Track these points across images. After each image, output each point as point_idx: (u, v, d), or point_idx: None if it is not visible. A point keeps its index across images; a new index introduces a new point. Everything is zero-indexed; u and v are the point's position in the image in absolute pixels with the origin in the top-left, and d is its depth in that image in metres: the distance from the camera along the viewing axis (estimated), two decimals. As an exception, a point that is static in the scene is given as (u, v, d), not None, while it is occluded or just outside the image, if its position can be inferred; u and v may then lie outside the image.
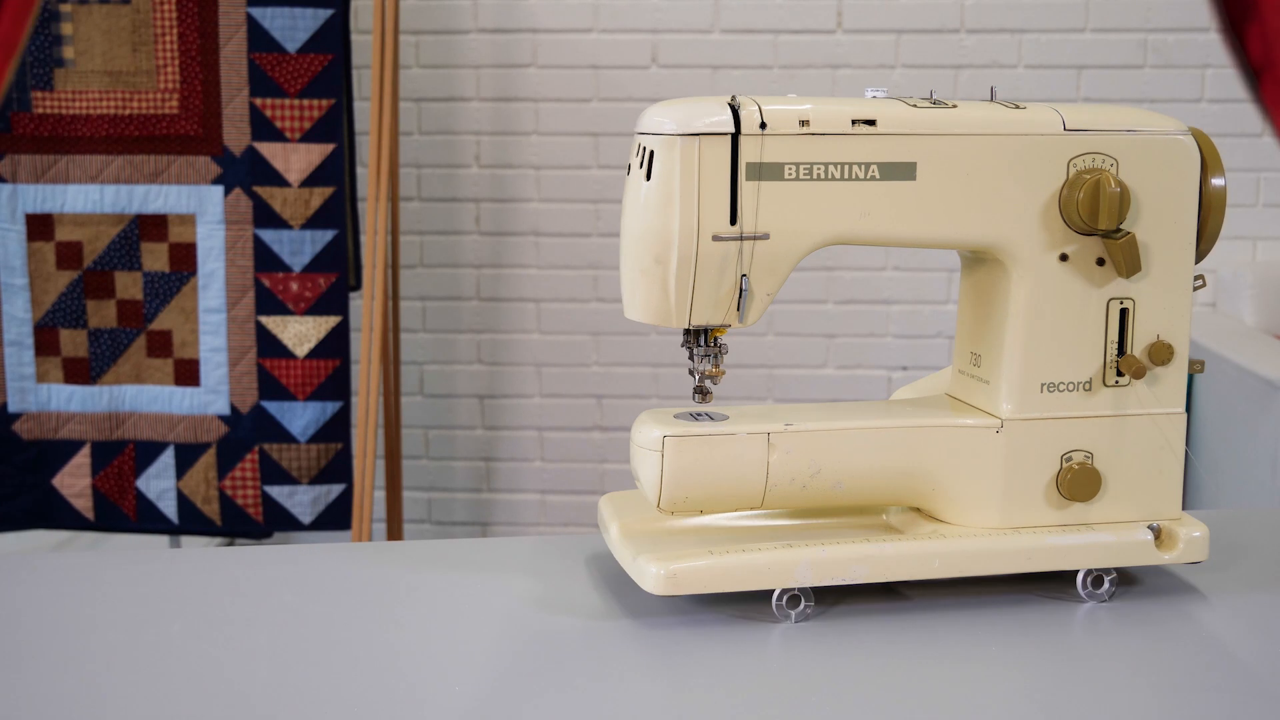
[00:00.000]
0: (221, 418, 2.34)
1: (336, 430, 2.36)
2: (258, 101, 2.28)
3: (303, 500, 2.36)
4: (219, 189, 2.29)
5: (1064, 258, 0.95)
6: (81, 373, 2.34)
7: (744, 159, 0.91)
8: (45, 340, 2.34)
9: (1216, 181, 0.97)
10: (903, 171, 0.93)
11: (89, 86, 2.28)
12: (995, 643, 0.91)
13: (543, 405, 3.03)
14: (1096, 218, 0.92)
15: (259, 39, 2.27)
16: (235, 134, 2.29)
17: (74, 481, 2.37)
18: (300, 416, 2.34)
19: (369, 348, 2.36)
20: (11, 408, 2.35)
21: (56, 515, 2.38)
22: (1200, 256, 0.99)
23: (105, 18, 2.26)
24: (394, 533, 2.73)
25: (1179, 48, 2.86)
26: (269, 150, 2.29)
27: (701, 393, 0.98)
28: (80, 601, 0.98)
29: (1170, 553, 0.98)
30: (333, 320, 2.33)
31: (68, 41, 2.27)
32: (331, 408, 2.35)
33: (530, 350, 3.01)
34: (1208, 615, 0.95)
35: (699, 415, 0.97)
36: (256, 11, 2.26)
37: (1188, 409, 2.70)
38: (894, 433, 0.97)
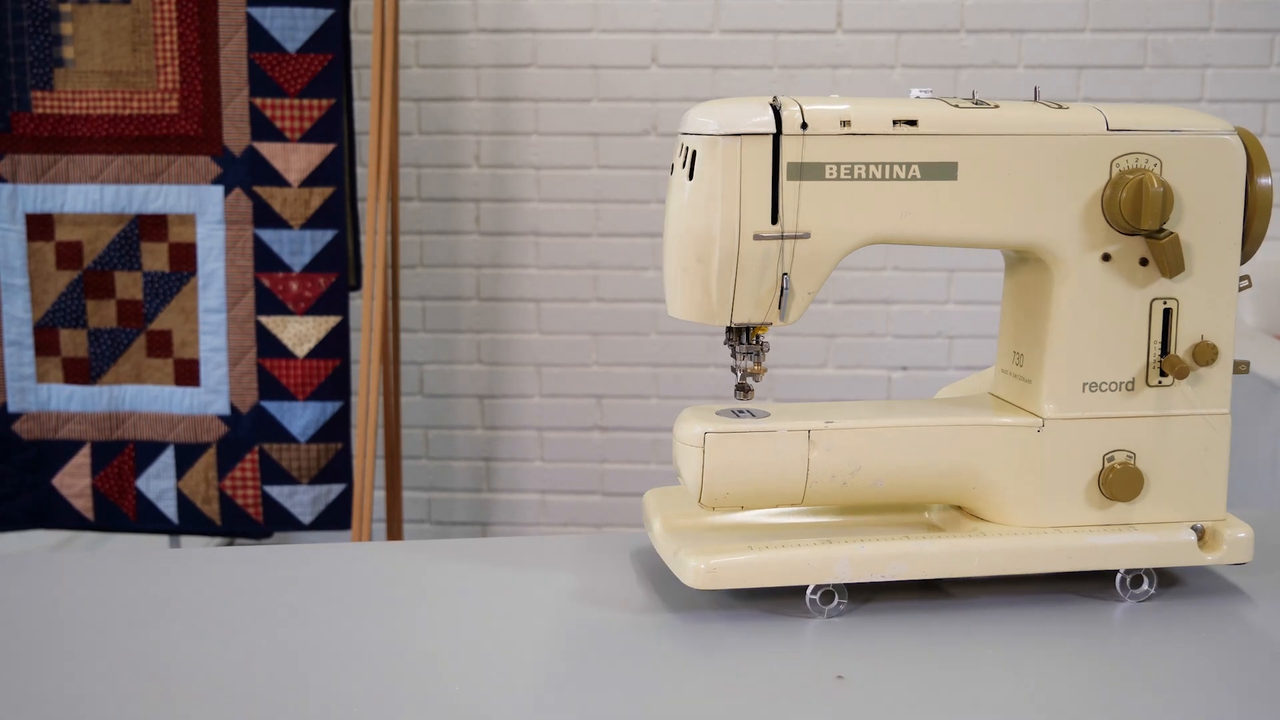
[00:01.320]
0: (221, 418, 2.34)
1: (336, 430, 2.36)
2: (258, 101, 2.28)
3: (303, 500, 2.36)
4: (219, 189, 2.29)
5: (1106, 258, 0.96)
6: (81, 373, 2.34)
7: (785, 159, 0.92)
8: (45, 340, 2.34)
9: (1263, 181, 0.97)
10: (944, 171, 0.94)
11: (89, 86, 2.28)
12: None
13: (543, 405, 3.03)
14: (1139, 218, 0.93)
15: (259, 39, 2.27)
16: (235, 134, 2.29)
17: (74, 481, 2.37)
18: (300, 416, 2.34)
19: (369, 348, 2.36)
20: (11, 408, 2.35)
21: (56, 515, 2.38)
22: (1246, 257, 0.99)
23: (105, 18, 2.26)
24: (394, 533, 2.73)
25: (1179, 48, 2.86)
26: (269, 150, 2.29)
27: (744, 390, 0.99)
28: (80, 601, 0.98)
29: (1214, 554, 0.98)
30: (333, 320, 2.33)
31: (68, 41, 2.27)
32: (331, 408, 2.35)
33: (530, 350, 3.01)
34: (1254, 615, 0.95)
35: (741, 412, 0.98)
36: (256, 11, 2.26)
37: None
38: (935, 431, 0.97)
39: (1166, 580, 1.01)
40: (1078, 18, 2.86)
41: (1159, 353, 0.97)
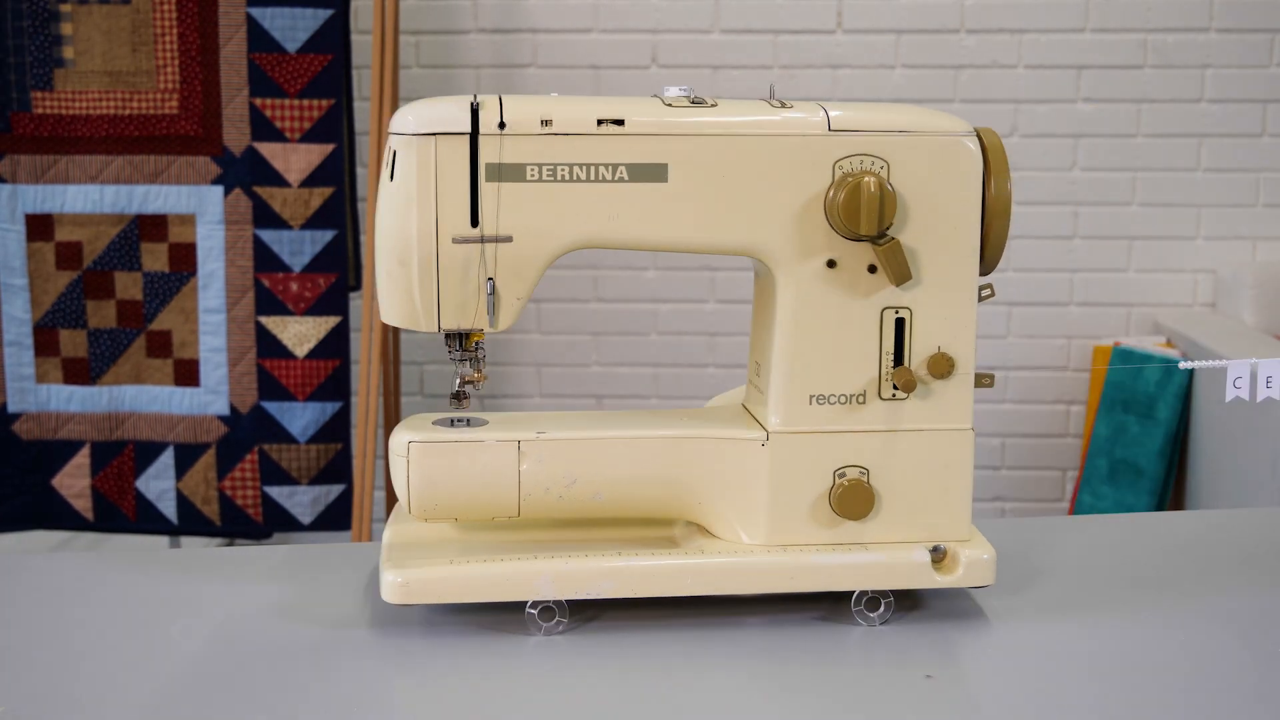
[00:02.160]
0: (221, 418, 2.34)
1: (336, 430, 2.36)
2: (258, 101, 2.28)
3: (302, 500, 2.36)
4: (219, 189, 2.29)
5: (831, 264, 0.91)
6: (81, 373, 2.34)
7: (483, 159, 0.88)
8: (45, 340, 2.34)
9: (1001, 186, 0.92)
10: (653, 173, 0.89)
11: (89, 86, 2.28)
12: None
13: (543, 405, 3.03)
14: (857, 222, 0.88)
15: (259, 39, 2.27)
16: (235, 134, 2.29)
17: (73, 482, 2.37)
18: (300, 417, 2.34)
19: (369, 348, 2.36)
20: (11, 408, 2.35)
21: (56, 515, 2.38)
22: (988, 266, 0.93)
23: (105, 18, 2.26)
24: (394, 533, 2.73)
25: (1179, 48, 2.86)
26: (269, 150, 2.29)
27: (459, 397, 0.95)
28: (80, 601, 0.98)
29: (950, 576, 0.92)
30: (332, 320, 2.33)
31: (68, 41, 2.27)
32: (331, 408, 2.35)
33: (530, 350, 3.01)
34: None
35: (458, 421, 0.94)
36: (256, 11, 2.26)
37: (1187, 409, 2.70)
38: (653, 443, 0.93)
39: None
40: (1078, 18, 2.86)
41: (892, 364, 0.92)
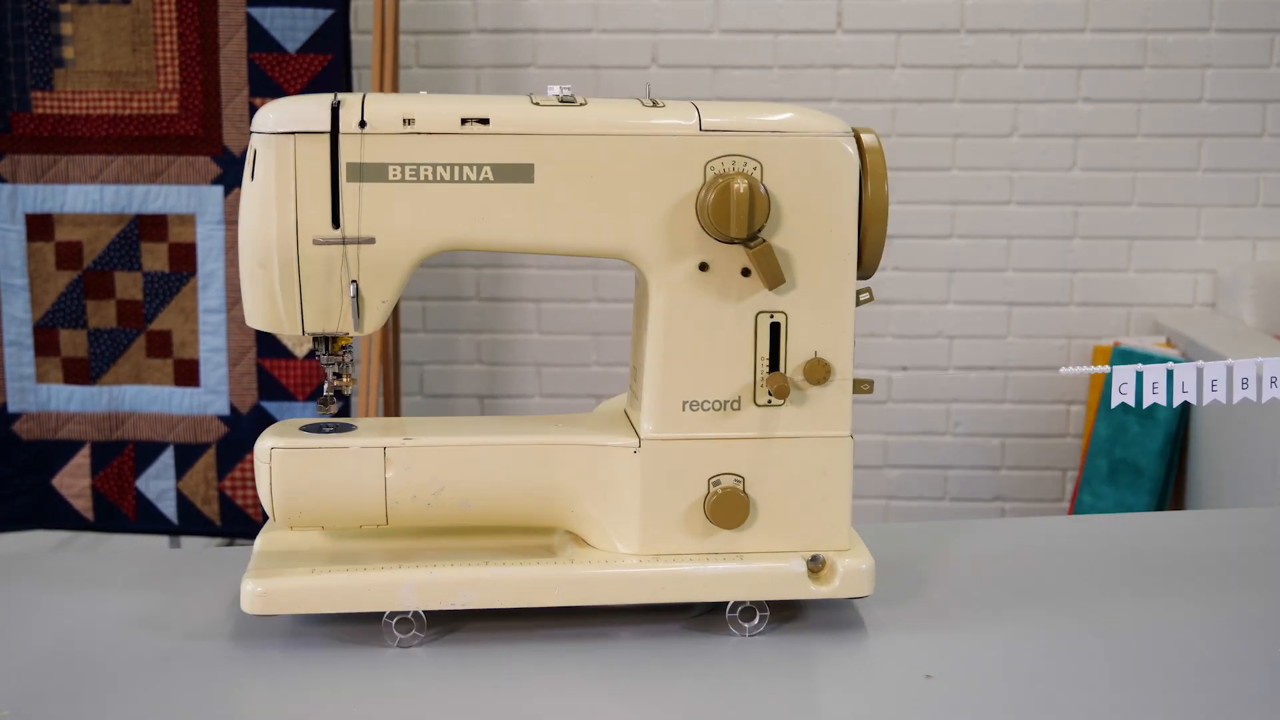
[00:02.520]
0: (221, 418, 2.34)
1: (336, 430, 2.36)
2: (258, 101, 2.28)
3: (302, 500, 2.36)
4: (219, 189, 2.29)
5: (704, 267, 0.88)
6: (81, 373, 2.34)
7: (344, 159, 0.87)
8: (45, 340, 2.34)
9: (878, 188, 0.89)
10: (519, 174, 0.87)
11: (89, 86, 2.28)
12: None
13: (543, 405, 3.03)
14: (727, 224, 0.85)
15: (259, 39, 2.27)
16: (235, 134, 2.29)
17: (73, 481, 2.37)
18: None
19: (369, 348, 2.36)
20: (11, 408, 2.35)
21: (56, 515, 2.38)
22: (867, 269, 0.91)
23: (105, 18, 2.26)
24: (394, 533, 2.73)
25: (1179, 48, 2.86)
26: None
27: (326, 402, 0.93)
28: (80, 601, 0.98)
29: (826, 586, 0.90)
30: (332, 320, 2.33)
31: (68, 41, 2.27)
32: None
33: (530, 350, 3.01)
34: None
35: (325, 427, 0.92)
36: (256, 11, 2.26)
37: (1187, 409, 2.70)
38: (521, 450, 0.90)
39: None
40: (1078, 18, 2.86)
41: (768, 370, 0.90)
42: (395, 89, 2.41)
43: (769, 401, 0.90)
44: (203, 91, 2.29)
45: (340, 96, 0.87)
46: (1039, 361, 2.96)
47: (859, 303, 0.91)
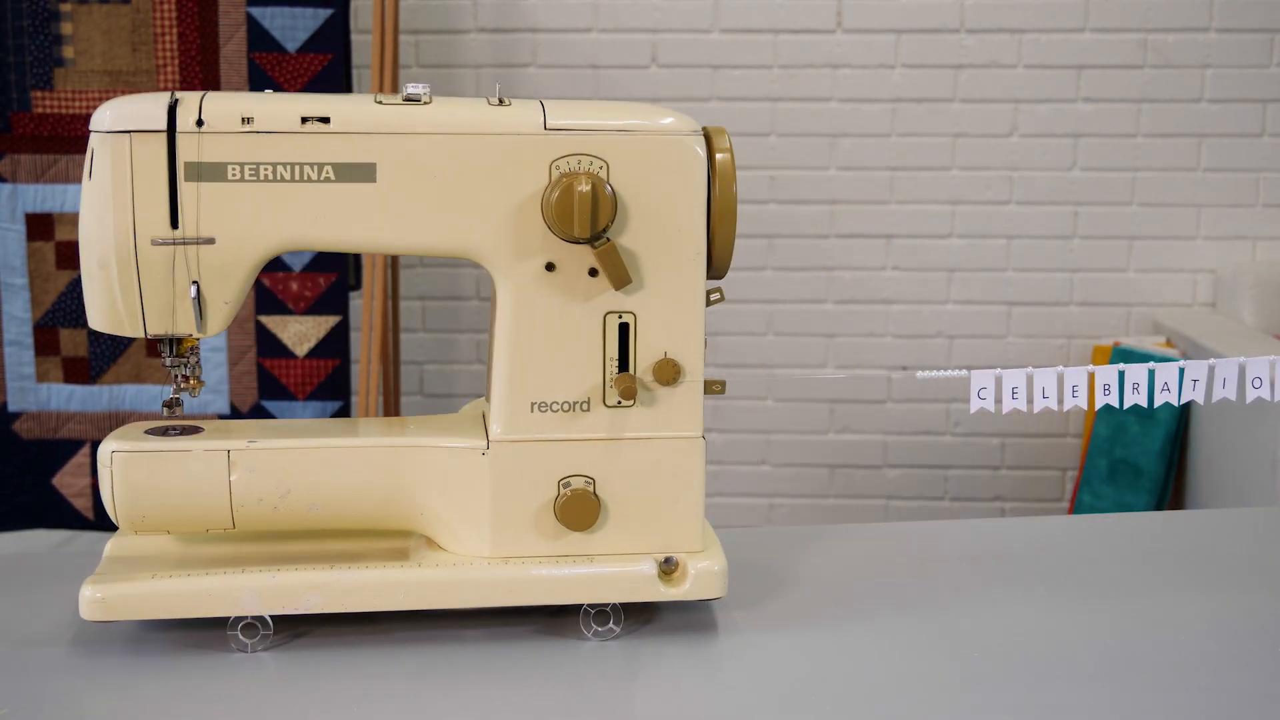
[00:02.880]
0: (222, 417, 2.34)
1: (336, 430, 2.36)
2: (258, 101, 2.28)
3: (302, 500, 2.36)
4: (219, 189, 2.29)
5: (550, 267, 0.88)
6: (81, 372, 2.34)
7: (182, 158, 0.85)
8: (45, 340, 2.34)
9: (727, 188, 0.88)
10: (361, 173, 0.86)
11: (89, 86, 2.28)
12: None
13: (543, 405, 3.03)
14: (570, 224, 0.85)
15: (259, 39, 2.27)
16: (235, 134, 2.29)
17: (74, 481, 2.37)
18: (300, 416, 2.34)
19: (369, 348, 2.36)
20: (11, 407, 2.35)
21: (56, 515, 2.38)
22: (718, 269, 0.90)
23: (105, 17, 2.26)
24: (394, 532, 2.73)
25: (1179, 48, 2.86)
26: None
27: (171, 405, 0.92)
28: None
29: (678, 589, 0.89)
30: (332, 320, 2.33)
31: (68, 41, 2.27)
32: (331, 407, 2.35)
33: (530, 350, 3.01)
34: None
35: (171, 429, 0.91)
36: (256, 11, 2.26)
37: (1187, 409, 2.70)
38: (367, 452, 0.89)
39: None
40: (1078, 18, 2.86)
41: (617, 370, 0.89)
42: (396, 89, 2.41)
43: (619, 402, 0.89)
44: (203, 91, 2.29)
45: (178, 95, 0.86)
46: (1039, 361, 2.97)
47: (709, 303, 0.90)
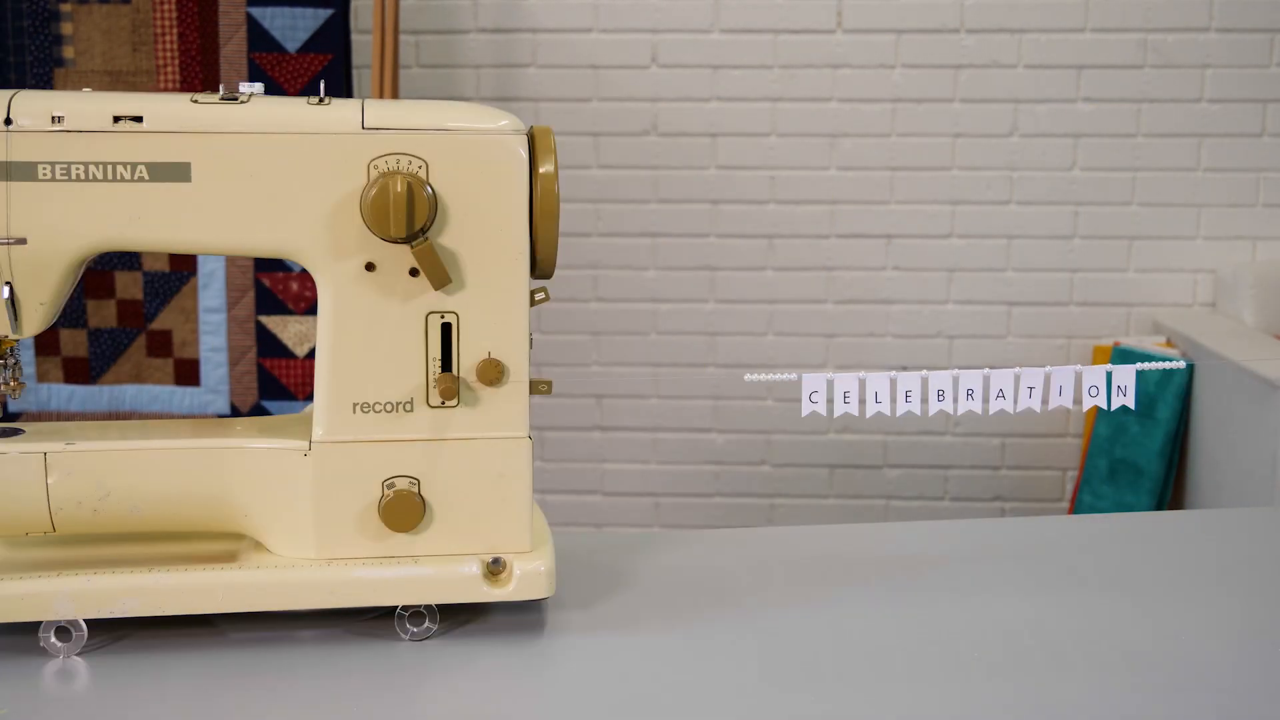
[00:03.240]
0: (222, 417, 2.34)
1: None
2: (258, 101, 2.28)
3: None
4: (219, 189, 2.30)
5: (370, 267, 0.87)
6: (81, 372, 2.34)
7: None
8: (45, 339, 2.34)
9: (548, 187, 0.88)
10: (175, 172, 0.86)
11: (89, 86, 2.28)
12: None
13: (543, 405, 3.03)
14: (386, 223, 0.84)
15: (259, 39, 2.27)
16: (235, 134, 2.29)
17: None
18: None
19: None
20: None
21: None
22: (543, 269, 0.90)
23: (105, 18, 2.26)
24: (394, 532, 2.73)
25: (1179, 48, 2.86)
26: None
27: None
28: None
29: (503, 589, 0.89)
30: (333, 320, 2.33)
31: (68, 41, 2.27)
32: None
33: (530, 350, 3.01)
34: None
35: None
36: (256, 11, 2.26)
37: (1187, 409, 2.70)
38: (187, 454, 0.89)
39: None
40: (1078, 18, 2.86)
41: (440, 371, 0.89)
42: (395, 89, 2.41)
43: (442, 403, 0.89)
44: (203, 91, 2.29)
45: None
46: (1039, 361, 2.97)
47: (534, 303, 0.90)
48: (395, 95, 2.41)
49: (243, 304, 2.31)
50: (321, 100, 0.88)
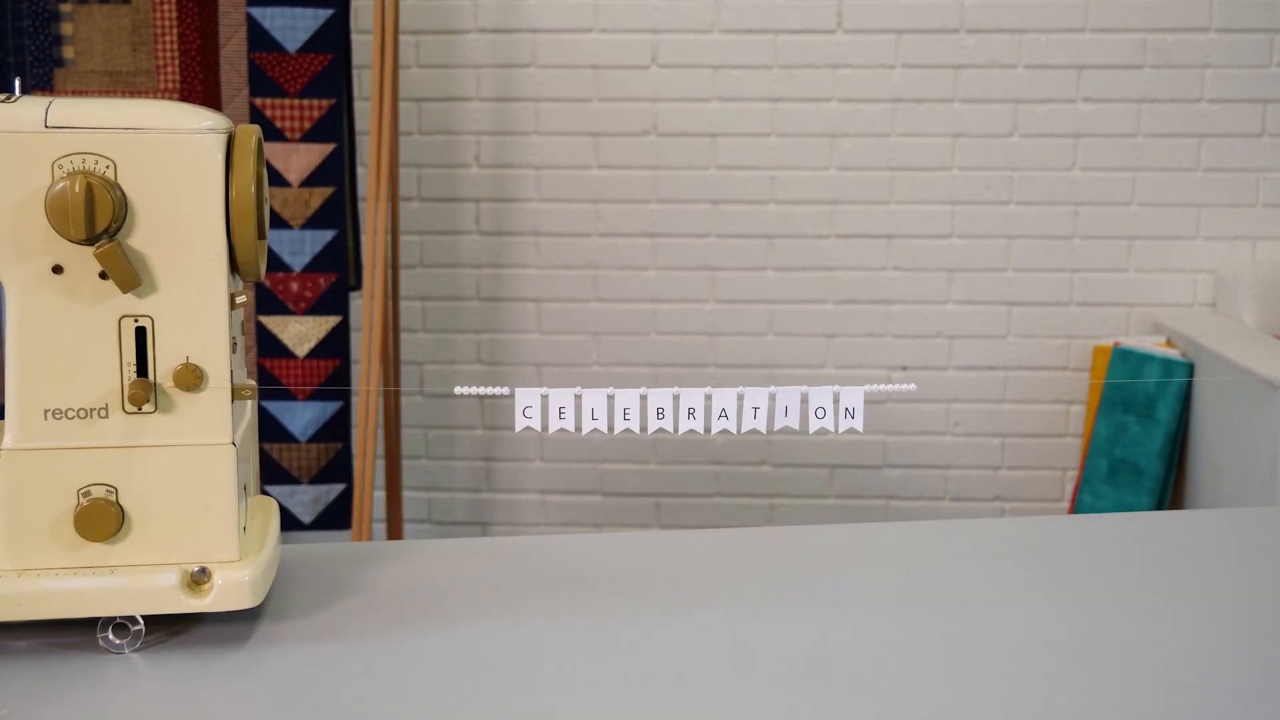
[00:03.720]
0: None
1: (336, 430, 2.36)
2: (258, 101, 2.28)
3: (303, 500, 2.36)
4: (219, 189, 2.30)
5: (58, 269, 0.85)
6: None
7: None
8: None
9: (243, 188, 0.86)
10: None
11: (89, 86, 2.28)
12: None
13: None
14: (66, 225, 0.82)
15: (259, 39, 2.27)
16: (235, 134, 2.29)
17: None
18: (300, 416, 2.34)
19: (369, 348, 2.36)
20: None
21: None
22: (244, 271, 0.88)
23: (105, 18, 2.26)
24: (394, 533, 2.73)
25: (1179, 48, 2.86)
26: (269, 150, 2.29)
27: None
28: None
29: (203, 600, 0.87)
30: (333, 320, 2.33)
31: (68, 41, 2.27)
32: (331, 407, 2.35)
33: (530, 350, 3.01)
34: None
35: None
36: (256, 11, 2.26)
37: (1187, 409, 2.70)
38: None
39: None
40: (1078, 18, 2.86)
41: (136, 376, 0.86)
42: (395, 89, 2.41)
43: (138, 409, 0.87)
44: (203, 91, 2.29)
45: None
46: (1039, 361, 2.97)
47: (234, 306, 0.88)
48: (395, 95, 2.41)
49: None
50: (9, 98, 0.86)
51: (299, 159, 2.29)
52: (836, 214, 2.94)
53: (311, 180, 2.29)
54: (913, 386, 0.95)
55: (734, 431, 0.94)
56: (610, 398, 0.94)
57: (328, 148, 2.29)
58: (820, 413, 0.94)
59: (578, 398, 0.93)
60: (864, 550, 1.10)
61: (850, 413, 0.95)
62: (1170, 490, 2.74)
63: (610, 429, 0.93)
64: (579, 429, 0.92)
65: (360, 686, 0.83)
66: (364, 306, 2.35)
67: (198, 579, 0.87)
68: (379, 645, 0.89)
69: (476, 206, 2.97)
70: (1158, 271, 2.94)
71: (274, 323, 2.32)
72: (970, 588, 1.01)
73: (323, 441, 2.35)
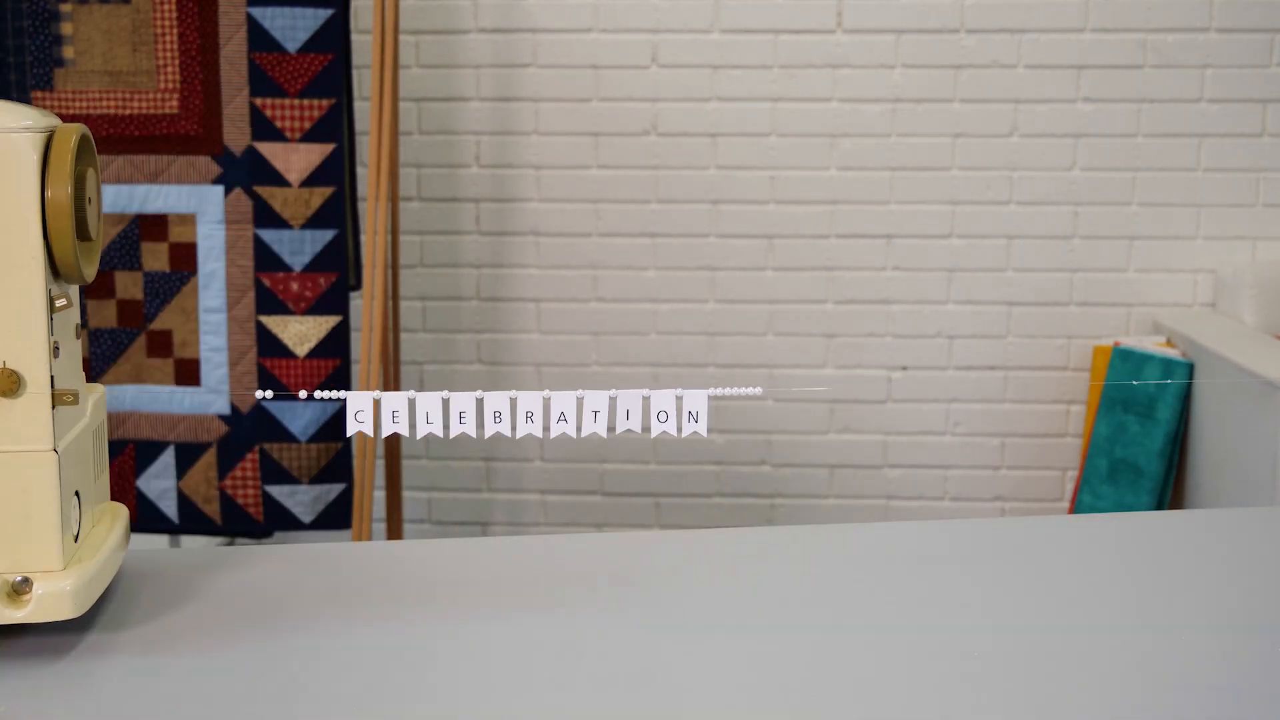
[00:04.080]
0: (222, 417, 2.34)
1: (337, 430, 2.36)
2: (258, 101, 2.28)
3: (303, 499, 2.37)
4: (219, 189, 2.30)
5: None
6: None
7: None
8: (45, 340, 2.34)
9: (59, 189, 0.85)
10: None
11: (89, 86, 2.28)
12: None
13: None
14: None
15: (259, 39, 2.27)
16: (235, 134, 2.29)
17: (74, 481, 2.37)
18: (300, 416, 2.34)
19: (369, 348, 2.36)
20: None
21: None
22: (67, 273, 0.87)
23: (105, 18, 2.26)
24: (394, 532, 2.73)
25: (1179, 48, 2.86)
26: (269, 150, 2.29)
27: None
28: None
29: (21, 610, 0.86)
30: (333, 320, 2.33)
31: (68, 41, 2.27)
32: (332, 407, 2.35)
33: (530, 350, 3.01)
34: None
35: None
36: (256, 11, 2.26)
37: (1187, 409, 2.70)
38: None
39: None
40: (1078, 18, 2.86)
41: None
42: (395, 89, 2.41)
43: None
44: (203, 91, 2.29)
45: None
46: (1039, 361, 2.97)
47: (55, 310, 0.87)
48: (395, 95, 2.41)
49: (243, 304, 2.31)
50: None
51: (299, 159, 2.29)
52: (836, 214, 2.94)
53: (311, 180, 2.29)
54: (757, 390, 0.94)
55: (573, 435, 0.93)
56: (479, 400, 0.93)
57: (328, 148, 2.29)
58: (663, 416, 0.94)
59: (445, 401, 0.92)
60: (864, 550, 1.10)
61: (693, 416, 0.94)
62: (1170, 490, 2.74)
63: (479, 435, 0.92)
64: (446, 435, 0.91)
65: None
66: (364, 306, 2.36)
67: (19, 589, 0.85)
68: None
69: (476, 206, 2.98)
70: (1158, 271, 2.94)
71: (274, 322, 2.32)
72: (970, 588, 1.01)
73: (323, 441, 2.36)
